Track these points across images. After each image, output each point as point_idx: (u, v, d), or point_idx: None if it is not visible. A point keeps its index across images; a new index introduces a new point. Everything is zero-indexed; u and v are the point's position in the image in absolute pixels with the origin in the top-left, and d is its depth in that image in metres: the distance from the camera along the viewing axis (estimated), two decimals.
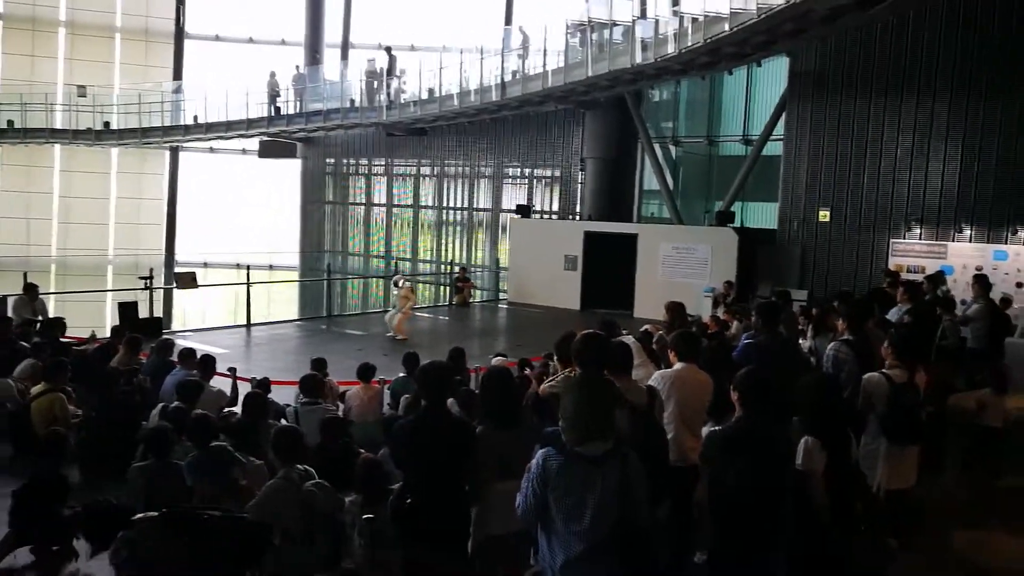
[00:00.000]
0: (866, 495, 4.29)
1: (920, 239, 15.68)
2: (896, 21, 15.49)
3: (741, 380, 3.72)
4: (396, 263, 23.86)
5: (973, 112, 15.04)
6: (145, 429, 5.16)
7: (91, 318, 18.02)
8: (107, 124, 25.39)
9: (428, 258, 25.94)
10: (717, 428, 4.05)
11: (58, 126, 25.48)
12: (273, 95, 23.60)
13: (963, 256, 14.98)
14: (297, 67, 24.51)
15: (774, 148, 18.25)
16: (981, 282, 9.16)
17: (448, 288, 21.02)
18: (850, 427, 4.19)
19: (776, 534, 3.47)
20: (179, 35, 28.85)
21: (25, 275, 13.16)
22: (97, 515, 4.55)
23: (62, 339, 9.41)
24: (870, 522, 4.13)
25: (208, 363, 7.47)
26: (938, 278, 10.31)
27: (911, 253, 15.66)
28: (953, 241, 15.30)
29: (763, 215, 19.58)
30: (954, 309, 8.89)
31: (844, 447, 3.95)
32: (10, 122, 24.94)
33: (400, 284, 15.37)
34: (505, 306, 19.89)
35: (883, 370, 4.82)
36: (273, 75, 23.68)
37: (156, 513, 3.74)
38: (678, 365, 4.60)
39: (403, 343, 13.65)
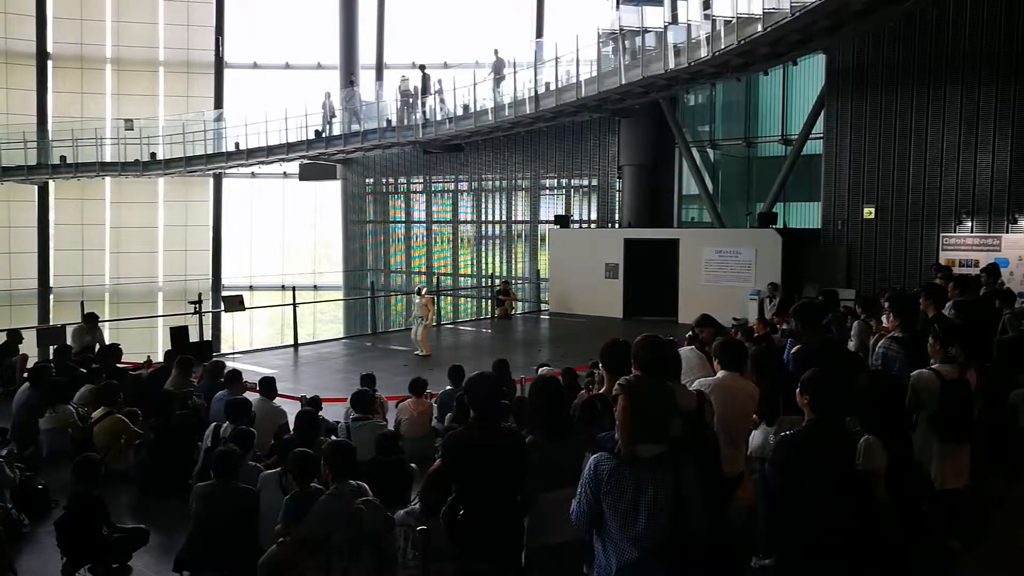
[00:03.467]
0: (931, 494, 4.18)
1: (972, 232, 15.26)
2: (936, 11, 15.17)
3: (809, 383, 3.64)
4: (437, 279, 23.99)
5: (1021, 98, 14.63)
6: (219, 450, 5.26)
7: (145, 343, 18.56)
8: (153, 155, 26.11)
9: (469, 272, 26.06)
10: (788, 432, 3.93)
11: (107, 159, 26.33)
12: (330, 115, 23.99)
13: (1018, 247, 14.52)
14: (351, 81, 25.19)
15: (814, 147, 17.98)
16: None
17: (490, 301, 21.06)
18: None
19: (846, 536, 3.40)
20: (219, 65, 29.64)
21: (82, 304, 13.63)
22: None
23: (119, 365, 9.69)
24: (932, 523, 4.03)
25: (268, 383, 7.59)
26: (993, 270, 10.01)
27: (963, 246, 15.24)
28: (1007, 232, 14.85)
29: (806, 215, 19.28)
30: (1014, 302, 8.63)
31: (904, 446, 3.86)
32: (63, 158, 25.81)
33: (422, 294, 15.37)
34: (547, 317, 19.87)
35: (933, 366, 4.70)
36: (328, 96, 24.14)
37: None
38: (720, 373, 4.48)
39: (427, 359, 13.72)
